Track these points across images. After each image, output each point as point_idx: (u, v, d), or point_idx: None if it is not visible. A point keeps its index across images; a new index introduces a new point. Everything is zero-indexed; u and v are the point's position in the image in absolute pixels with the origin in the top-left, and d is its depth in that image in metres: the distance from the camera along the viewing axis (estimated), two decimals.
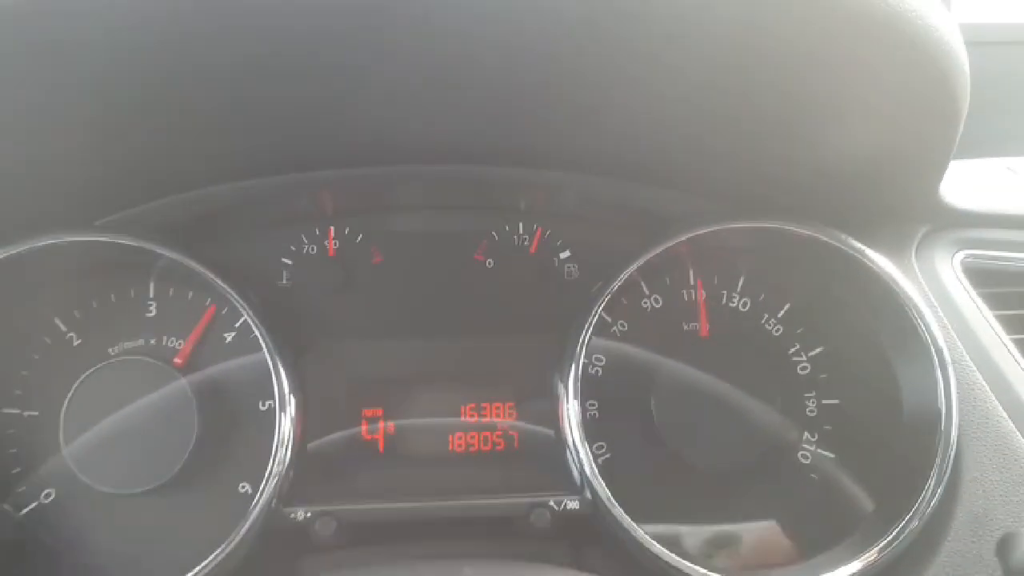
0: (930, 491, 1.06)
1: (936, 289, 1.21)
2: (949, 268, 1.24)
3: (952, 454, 1.08)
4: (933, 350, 1.11)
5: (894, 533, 1.06)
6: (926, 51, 0.86)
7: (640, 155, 1.18)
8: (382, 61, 0.91)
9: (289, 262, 1.26)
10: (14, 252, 1.10)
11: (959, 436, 1.09)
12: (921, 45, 0.86)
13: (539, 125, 1.10)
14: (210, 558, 1.05)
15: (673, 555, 1.06)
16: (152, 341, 1.20)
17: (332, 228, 1.27)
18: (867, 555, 1.06)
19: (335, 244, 1.27)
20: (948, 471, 1.07)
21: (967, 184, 1.36)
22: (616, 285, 1.18)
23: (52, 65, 0.85)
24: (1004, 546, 0.91)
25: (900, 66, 0.89)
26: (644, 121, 1.07)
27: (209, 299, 1.21)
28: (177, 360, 1.18)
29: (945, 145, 1.06)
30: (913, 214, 1.25)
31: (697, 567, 1.05)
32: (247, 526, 1.06)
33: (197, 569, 1.04)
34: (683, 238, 1.17)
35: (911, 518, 1.06)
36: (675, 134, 1.10)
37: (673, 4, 0.80)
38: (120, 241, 1.14)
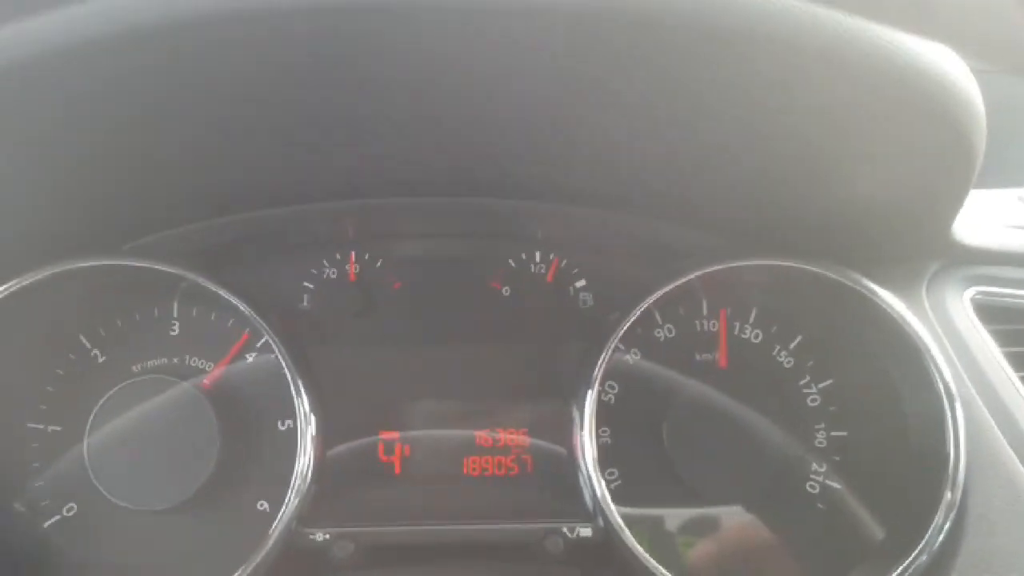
0: (937, 527, 1.07)
1: (946, 326, 1.22)
2: (959, 305, 1.25)
3: (960, 491, 1.09)
4: (942, 389, 1.12)
5: (902, 567, 1.07)
6: (945, 105, 0.88)
7: (654, 193, 1.20)
8: (398, 101, 0.93)
9: (310, 286, 1.29)
10: (47, 275, 1.13)
11: (966, 473, 1.10)
12: (941, 99, 0.87)
13: (558, 163, 1.12)
14: None
15: None
16: (175, 360, 1.23)
17: (353, 253, 1.30)
18: None
19: (355, 269, 1.30)
20: (955, 508, 1.08)
21: (979, 216, 1.37)
22: (633, 317, 1.20)
23: (89, 103, 0.88)
24: None
25: (919, 118, 0.90)
26: (660, 161, 1.09)
27: (238, 323, 1.23)
28: (205, 382, 1.20)
29: (960, 190, 1.07)
30: (925, 251, 1.26)
31: None
32: (268, 546, 1.08)
33: None
34: (697, 274, 1.19)
35: (919, 553, 1.07)
36: (691, 175, 1.11)
37: (694, 55, 0.82)
38: (148, 266, 1.16)
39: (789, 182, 1.10)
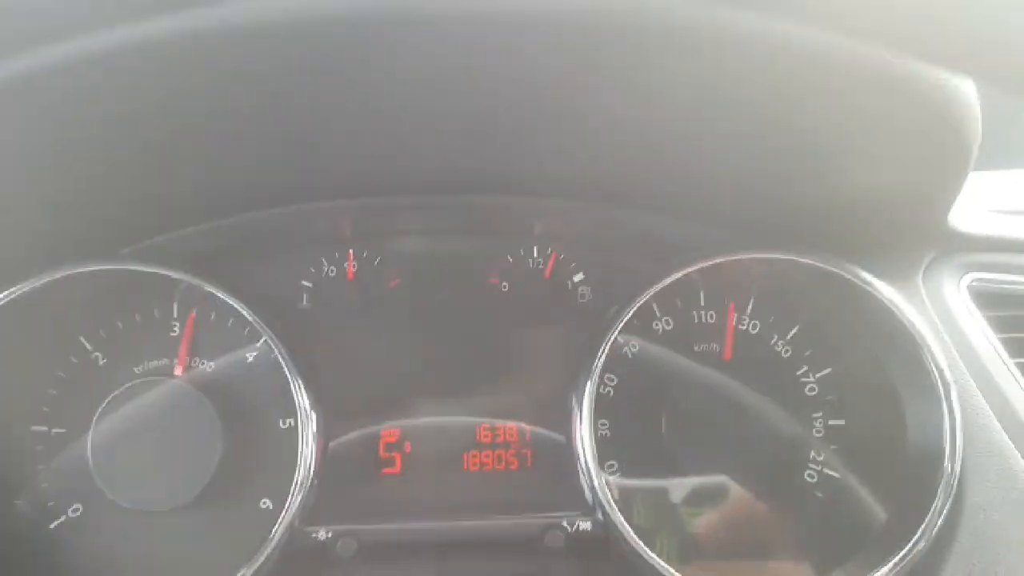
0: (935, 515, 1.09)
1: (942, 313, 1.22)
2: (956, 292, 1.25)
3: (956, 478, 1.10)
4: (938, 378, 1.13)
5: (901, 554, 1.08)
6: (940, 98, 0.88)
7: (653, 186, 1.20)
8: (393, 99, 0.93)
9: (309, 285, 1.29)
10: (47, 280, 1.13)
11: (963, 460, 1.11)
12: (935, 93, 0.87)
13: (555, 157, 1.12)
14: None
15: (679, 574, 1.08)
16: (176, 360, 1.23)
17: (351, 252, 1.30)
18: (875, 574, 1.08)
19: (354, 267, 1.30)
20: (952, 495, 1.09)
21: (976, 201, 1.37)
22: (632, 310, 1.21)
23: (83, 105, 0.87)
24: None
25: (914, 111, 0.90)
26: (657, 155, 1.09)
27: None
28: (176, 371, 1.21)
29: (956, 181, 1.07)
30: (921, 240, 1.26)
31: None
32: (272, 545, 1.09)
33: None
34: (695, 268, 1.20)
35: (917, 540, 1.08)
36: (688, 168, 1.12)
37: (691, 51, 0.82)
38: (148, 270, 1.17)
39: (785, 175, 1.10)
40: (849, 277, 1.18)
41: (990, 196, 1.48)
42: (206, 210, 1.22)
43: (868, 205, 1.14)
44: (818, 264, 1.19)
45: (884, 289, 1.18)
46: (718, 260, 1.19)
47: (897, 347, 1.18)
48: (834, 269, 1.18)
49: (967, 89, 0.90)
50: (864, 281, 1.17)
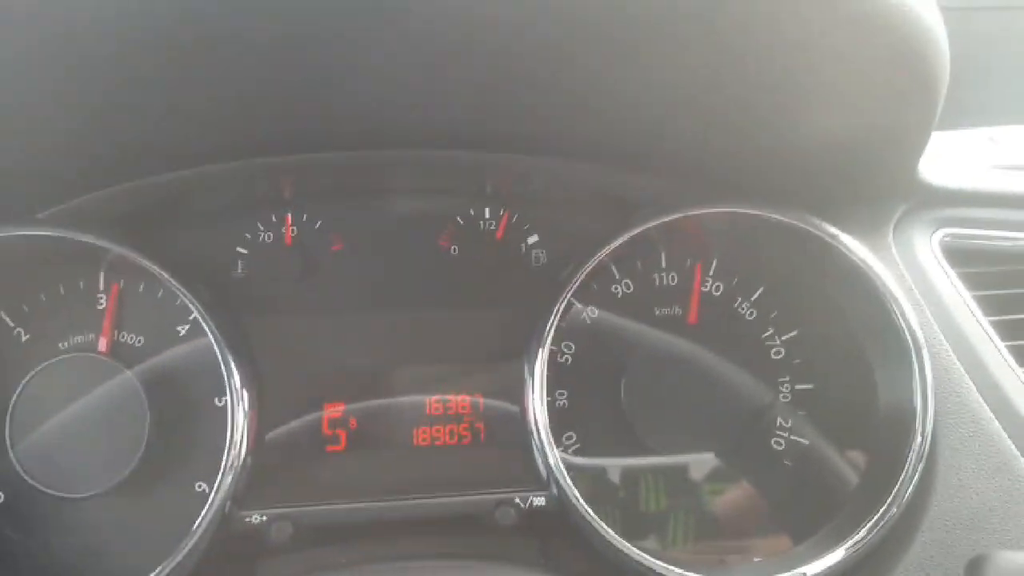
0: (907, 479, 1.04)
1: (913, 270, 1.18)
2: (927, 248, 1.21)
3: (928, 441, 1.06)
4: (908, 337, 1.09)
5: (872, 521, 1.04)
6: (906, 37, 0.84)
7: (611, 138, 1.14)
8: (355, 43, 0.87)
9: (244, 251, 1.22)
10: None
11: (935, 422, 1.07)
12: (901, 31, 0.83)
13: (510, 108, 1.05)
14: (161, 566, 1.01)
15: (638, 550, 1.03)
16: (102, 336, 1.16)
17: (289, 215, 1.22)
18: (846, 544, 1.04)
19: (292, 232, 1.22)
20: (924, 459, 1.05)
21: (948, 158, 1.32)
22: (586, 271, 1.14)
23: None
24: (973, 570, 0.89)
25: (879, 51, 0.86)
26: (616, 103, 1.03)
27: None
28: (101, 347, 1.14)
29: (923, 125, 1.03)
30: (891, 193, 1.21)
31: (662, 563, 1.02)
32: (200, 531, 1.03)
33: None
34: (653, 224, 1.14)
35: (889, 506, 1.04)
36: (646, 116, 1.06)
37: None
38: (64, 235, 1.09)
39: (748, 123, 1.04)
40: (815, 232, 1.13)
41: (962, 154, 1.45)
42: (129, 169, 1.13)
43: (834, 153, 1.08)
44: (783, 219, 1.13)
45: (852, 245, 1.12)
46: (676, 216, 1.14)
47: (866, 306, 1.14)
48: (799, 224, 1.13)
49: (932, 21, 0.85)
50: (831, 236, 1.12)
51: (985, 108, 1.70)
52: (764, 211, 1.14)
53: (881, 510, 1.04)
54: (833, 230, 1.13)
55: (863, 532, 1.04)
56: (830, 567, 1.03)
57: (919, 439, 1.05)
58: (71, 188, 1.16)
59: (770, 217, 1.14)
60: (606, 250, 1.14)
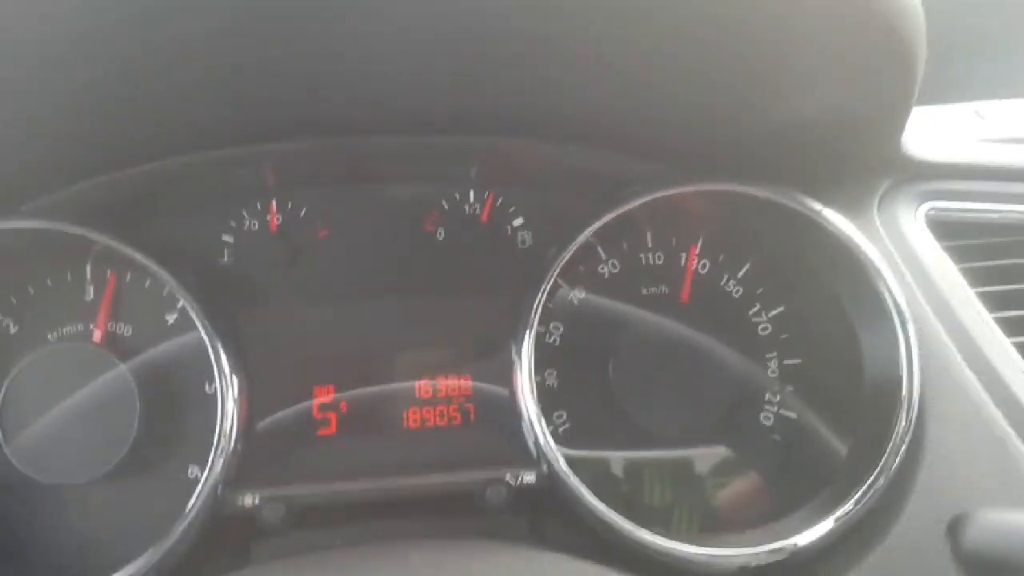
0: (893, 451, 1.05)
1: (899, 243, 1.18)
2: (913, 221, 1.21)
3: (915, 413, 1.06)
4: (894, 309, 1.09)
5: (860, 491, 1.04)
6: (875, 8, 0.83)
7: (595, 119, 1.13)
8: (337, 28, 0.87)
9: (230, 239, 1.22)
10: None
11: (922, 393, 1.07)
12: (870, 3, 0.82)
13: (494, 91, 1.05)
14: (154, 548, 1.02)
15: (631, 525, 1.04)
16: (92, 326, 1.16)
17: (274, 202, 1.22)
18: (835, 514, 1.04)
19: (278, 219, 1.22)
20: (911, 431, 1.05)
21: (933, 132, 1.32)
22: (571, 251, 1.15)
23: None
24: (954, 528, 0.89)
25: (856, 24, 0.85)
26: (597, 82, 1.02)
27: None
28: (95, 338, 1.14)
29: (902, 100, 1.02)
30: (875, 167, 1.21)
31: (656, 538, 1.03)
32: (193, 514, 1.03)
33: (141, 560, 1.01)
34: (638, 203, 1.14)
35: (876, 477, 1.04)
36: (628, 96, 1.05)
37: None
38: (49, 227, 1.09)
39: (729, 101, 1.04)
40: (800, 208, 1.13)
41: (948, 128, 1.45)
42: (112, 159, 1.13)
43: (815, 131, 1.08)
44: (768, 196, 1.13)
45: (837, 220, 1.13)
46: (662, 194, 1.13)
47: (852, 281, 1.14)
48: (784, 200, 1.13)
49: None
50: (815, 212, 1.12)
51: (972, 82, 1.70)
52: (749, 188, 1.14)
53: (869, 480, 1.04)
54: (817, 205, 1.13)
55: (851, 503, 1.04)
56: (820, 537, 1.03)
57: (906, 411, 1.06)
58: (55, 179, 1.15)
59: (755, 194, 1.14)
60: (591, 229, 1.14)
